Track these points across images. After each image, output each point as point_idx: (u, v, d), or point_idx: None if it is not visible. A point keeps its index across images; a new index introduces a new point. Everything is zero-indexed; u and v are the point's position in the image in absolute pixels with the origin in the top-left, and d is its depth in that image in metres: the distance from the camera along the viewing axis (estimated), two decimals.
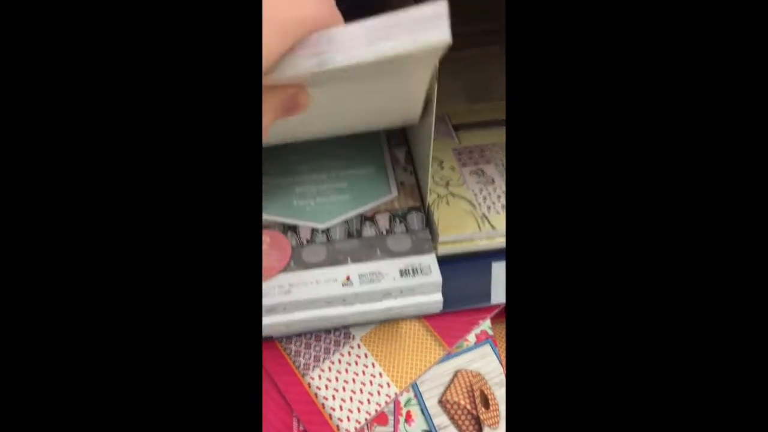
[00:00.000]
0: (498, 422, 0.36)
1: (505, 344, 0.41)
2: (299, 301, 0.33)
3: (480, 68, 0.50)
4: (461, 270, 0.40)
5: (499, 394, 0.37)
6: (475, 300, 0.40)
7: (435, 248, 0.36)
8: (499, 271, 0.40)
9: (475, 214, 0.37)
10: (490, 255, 0.39)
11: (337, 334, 0.38)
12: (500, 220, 0.36)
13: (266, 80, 0.18)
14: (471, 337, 0.39)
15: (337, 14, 0.20)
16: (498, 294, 0.40)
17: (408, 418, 0.36)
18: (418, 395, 0.37)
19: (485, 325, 0.40)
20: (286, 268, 0.34)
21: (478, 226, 0.36)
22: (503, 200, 0.38)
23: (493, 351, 0.39)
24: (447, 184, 0.39)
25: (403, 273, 0.34)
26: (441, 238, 0.36)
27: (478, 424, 0.36)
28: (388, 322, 0.39)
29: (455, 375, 0.38)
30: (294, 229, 0.37)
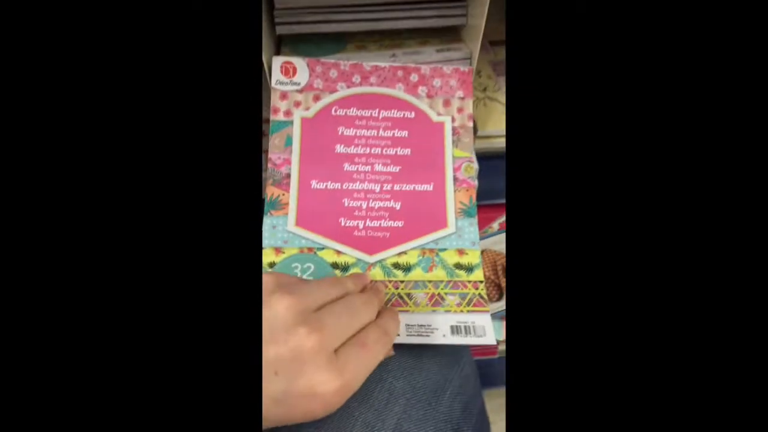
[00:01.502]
0: None
1: None
2: None
3: None
4: (492, 168, 0.46)
5: None
6: (499, 195, 0.46)
7: (474, 144, 0.42)
8: None
9: None
10: None
11: None
12: None
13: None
14: (495, 226, 0.46)
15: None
16: None
17: None
18: None
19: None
20: None
21: None
22: None
23: None
24: (484, 90, 0.44)
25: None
26: (479, 132, 0.41)
27: (500, 290, 0.43)
28: None
29: (481, 253, 0.45)
30: None
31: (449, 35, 0.43)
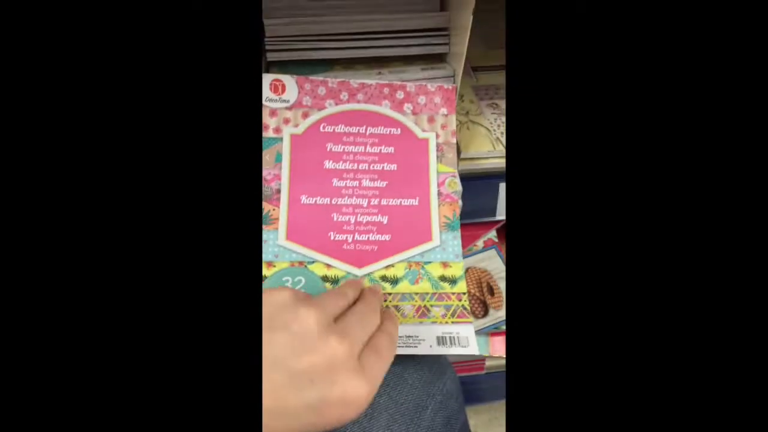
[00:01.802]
0: (500, 306, 0.44)
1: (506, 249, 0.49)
2: None
3: (495, 21, 0.57)
4: (475, 188, 0.47)
5: (501, 285, 0.45)
6: (484, 214, 0.48)
7: (457, 164, 0.43)
8: (505, 190, 0.48)
9: (491, 137, 0.44)
10: (498, 177, 0.47)
11: None
12: None
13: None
14: (480, 243, 0.48)
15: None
16: (503, 210, 0.48)
17: None
18: None
19: (491, 234, 0.48)
20: None
21: (493, 146, 0.44)
22: None
23: (498, 254, 0.47)
24: (467, 114, 0.46)
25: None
26: (463, 154, 0.43)
27: (485, 307, 0.44)
28: None
29: (467, 271, 0.46)
30: None
31: (433, 60, 0.45)
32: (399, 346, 0.31)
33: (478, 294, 0.44)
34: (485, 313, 0.44)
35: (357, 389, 0.23)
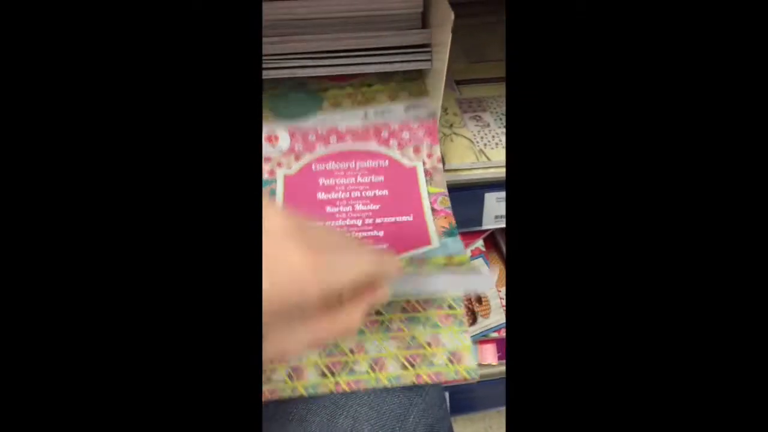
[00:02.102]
0: (488, 314, 0.45)
1: (493, 258, 0.50)
2: None
3: (477, 35, 0.59)
4: (460, 199, 0.48)
5: (488, 293, 0.46)
6: (470, 224, 0.49)
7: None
8: (490, 200, 0.49)
9: (474, 148, 0.46)
10: (483, 187, 0.48)
11: None
12: (494, 154, 0.45)
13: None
14: (467, 252, 0.48)
15: None
16: (488, 220, 0.49)
17: None
18: None
19: (479, 243, 0.49)
20: None
21: (476, 158, 0.45)
22: (497, 140, 0.46)
23: (485, 262, 0.48)
24: (450, 126, 0.48)
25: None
26: (447, 166, 0.44)
27: (474, 314, 0.45)
28: None
29: None
30: None
31: (416, 82, 0.47)
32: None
33: (466, 303, 0.45)
34: (473, 321, 0.45)
35: (302, 259, 0.19)
